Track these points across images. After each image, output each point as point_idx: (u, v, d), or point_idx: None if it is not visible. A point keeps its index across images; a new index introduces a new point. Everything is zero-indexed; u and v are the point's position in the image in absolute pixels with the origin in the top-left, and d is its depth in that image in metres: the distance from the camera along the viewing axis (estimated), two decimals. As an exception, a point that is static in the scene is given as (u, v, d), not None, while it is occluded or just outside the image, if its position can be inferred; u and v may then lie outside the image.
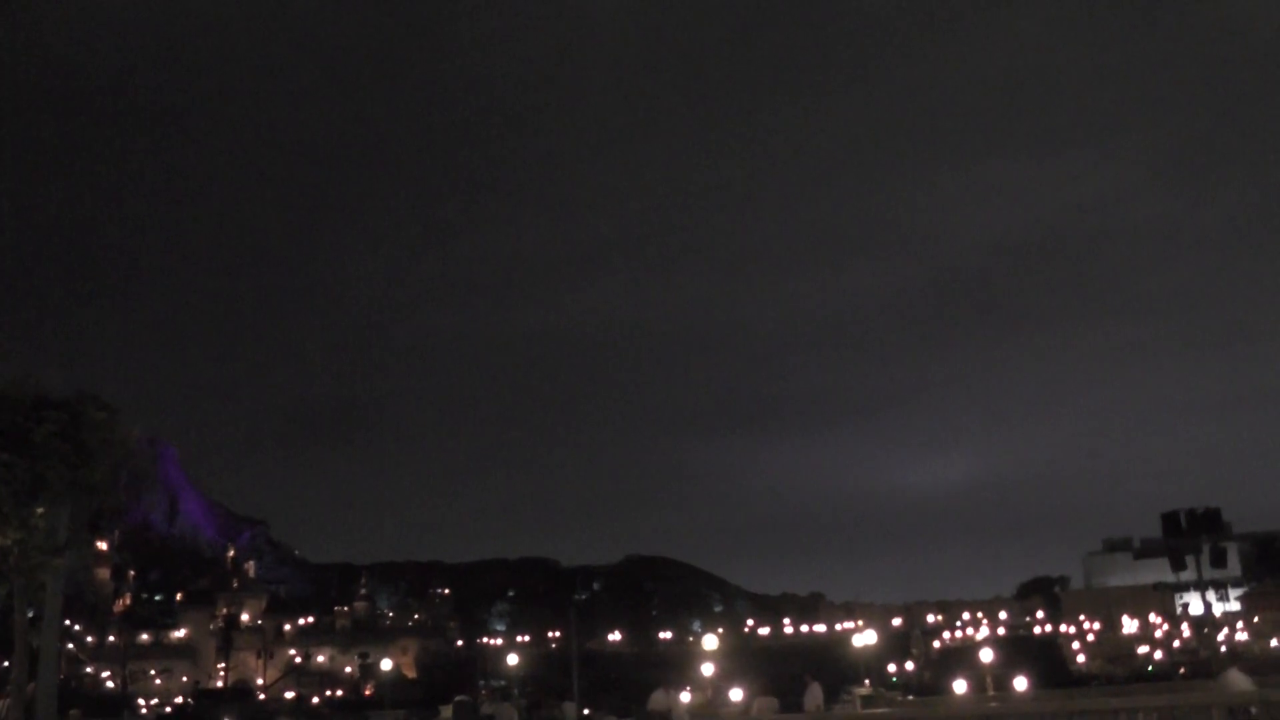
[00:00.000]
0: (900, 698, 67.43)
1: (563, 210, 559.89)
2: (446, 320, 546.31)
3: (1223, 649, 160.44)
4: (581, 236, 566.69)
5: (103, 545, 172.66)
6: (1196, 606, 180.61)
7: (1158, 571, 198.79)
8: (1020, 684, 52.87)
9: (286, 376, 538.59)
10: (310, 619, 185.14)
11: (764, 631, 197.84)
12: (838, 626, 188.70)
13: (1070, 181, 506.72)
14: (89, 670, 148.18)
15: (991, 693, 52.77)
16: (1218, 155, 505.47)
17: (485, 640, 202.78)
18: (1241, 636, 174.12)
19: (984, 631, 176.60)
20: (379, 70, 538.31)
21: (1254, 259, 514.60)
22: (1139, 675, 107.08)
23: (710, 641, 64.78)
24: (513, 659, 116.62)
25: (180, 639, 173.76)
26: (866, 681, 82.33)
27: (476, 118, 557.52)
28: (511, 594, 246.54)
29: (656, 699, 49.03)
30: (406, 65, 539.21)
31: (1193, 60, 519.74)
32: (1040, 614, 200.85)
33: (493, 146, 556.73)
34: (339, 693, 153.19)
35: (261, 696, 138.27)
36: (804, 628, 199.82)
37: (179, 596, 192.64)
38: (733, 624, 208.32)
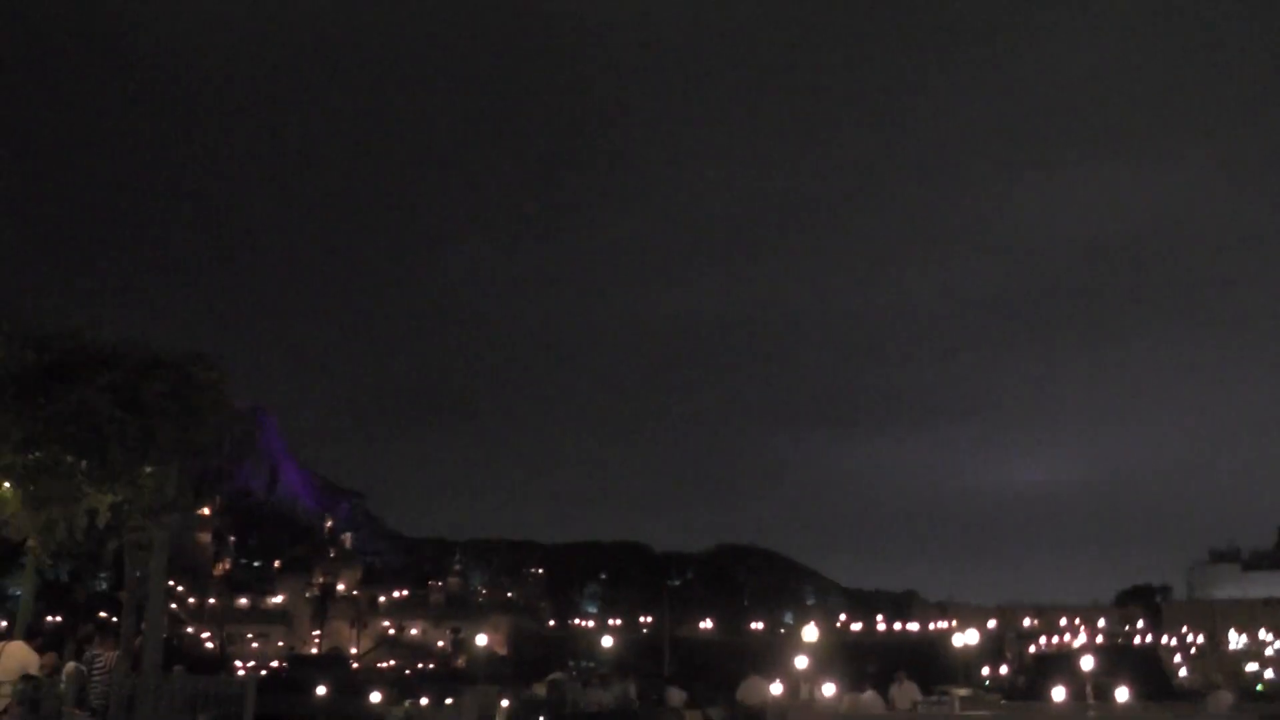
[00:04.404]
0: (998, 700, 66.13)
1: (660, 204, 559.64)
2: (547, 306, 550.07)
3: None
4: (679, 230, 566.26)
5: (205, 510, 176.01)
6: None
7: (1268, 585, 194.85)
8: (1121, 694, 51.55)
9: (388, 355, 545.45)
10: (404, 592, 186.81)
11: (856, 627, 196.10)
12: (931, 626, 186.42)
13: (1170, 187, 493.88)
14: (189, 630, 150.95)
15: (1091, 701, 51.44)
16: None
17: (577, 621, 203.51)
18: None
19: (1081, 638, 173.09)
20: (483, 52, 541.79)
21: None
22: (1244, 694, 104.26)
23: (810, 632, 63.54)
24: (607, 641, 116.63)
25: (277, 605, 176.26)
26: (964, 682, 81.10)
27: (578, 113, 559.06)
28: (603, 576, 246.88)
29: (750, 689, 48.05)
30: (509, 51, 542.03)
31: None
32: (1140, 623, 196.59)
33: (589, 141, 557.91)
34: (430, 665, 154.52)
35: (355, 665, 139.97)
36: (897, 625, 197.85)
37: (276, 564, 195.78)
38: (825, 618, 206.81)
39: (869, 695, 45.34)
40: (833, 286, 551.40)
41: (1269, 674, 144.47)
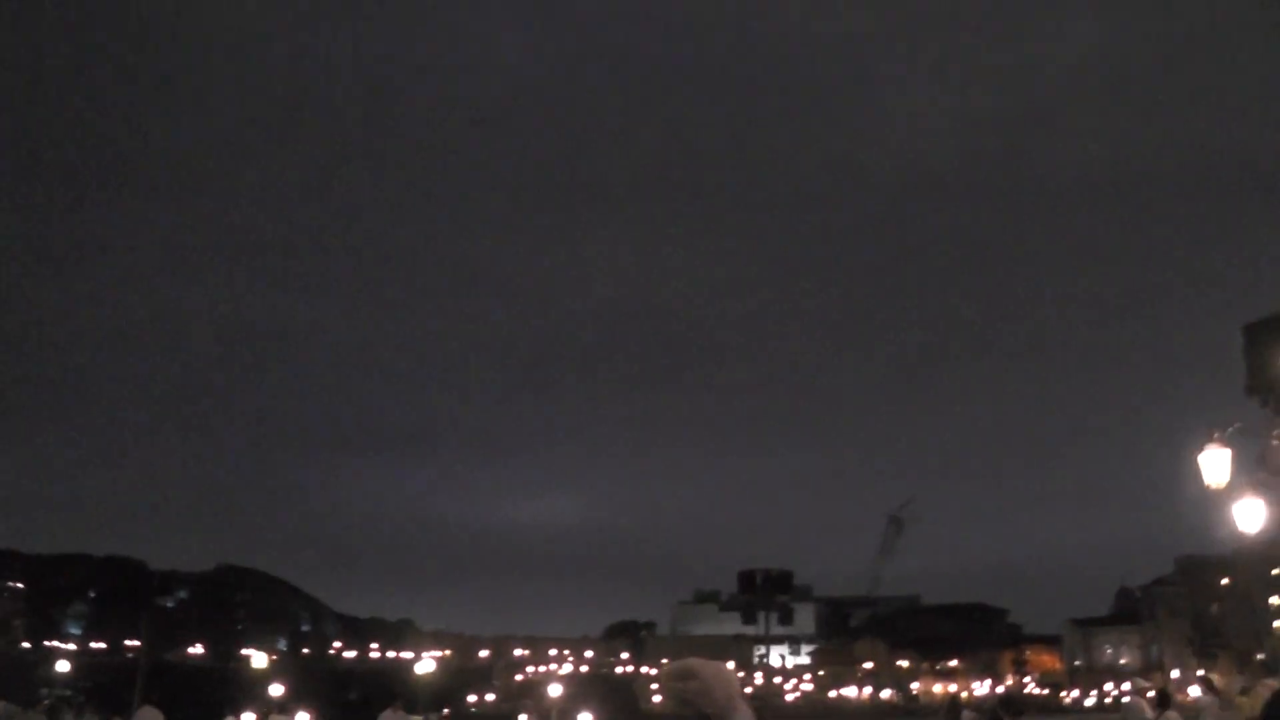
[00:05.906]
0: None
1: (205, 199, 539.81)
2: (62, 296, 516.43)
3: (791, 697, 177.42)
4: (217, 230, 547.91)
5: None
6: (774, 659, 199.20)
7: (737, 624, 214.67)
8: (585, 718, 54.93)
9: None
10: None
11: (350, 655, 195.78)
12: (423, 654, 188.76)
13: (668, 268, 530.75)
14: None
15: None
16: (794, 269, 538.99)
17: (56, 643, 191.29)
18: (808, 687, 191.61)
19: (567, 668, 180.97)
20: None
21: (830, 359, 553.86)
22: (704, 715, 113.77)
23: (260, 660, 63.70)
24: (64, 666, 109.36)
25: None
26: (445, 710, 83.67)
27: (128, 96, 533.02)
28: (92, 594, 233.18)
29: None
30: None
31: (785, 175, 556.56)
32: (625, 655, 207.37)
33: (129, 128, 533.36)
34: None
35: None
36: (390, 653, 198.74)
37: None
38: (320, 644, 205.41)
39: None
40: (369, 313, 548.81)
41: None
